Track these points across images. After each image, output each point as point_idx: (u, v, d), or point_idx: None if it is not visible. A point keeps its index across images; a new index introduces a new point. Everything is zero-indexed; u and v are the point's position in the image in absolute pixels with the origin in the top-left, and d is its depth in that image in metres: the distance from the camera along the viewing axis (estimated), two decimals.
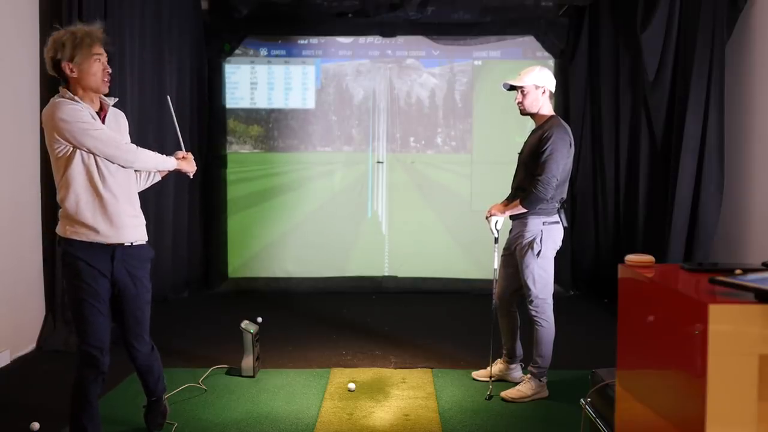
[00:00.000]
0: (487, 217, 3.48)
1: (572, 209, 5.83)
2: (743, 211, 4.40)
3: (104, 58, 2.58)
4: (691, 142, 4.44)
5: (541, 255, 3.32)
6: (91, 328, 2.60)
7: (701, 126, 4.40)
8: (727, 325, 1.38)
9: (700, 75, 4.37)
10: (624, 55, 5.31)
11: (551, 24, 5.88)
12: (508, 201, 3.48)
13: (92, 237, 2.58)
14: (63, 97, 2.55)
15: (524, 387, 3.40)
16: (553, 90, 3.42)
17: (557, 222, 3.35)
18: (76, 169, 2.54)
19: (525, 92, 3.37)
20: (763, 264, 1.70)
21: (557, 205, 3.34)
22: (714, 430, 1.39)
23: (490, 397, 3.39)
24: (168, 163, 2.79)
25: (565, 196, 3.40)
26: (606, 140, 5.58)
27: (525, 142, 3.48)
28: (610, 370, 2.35)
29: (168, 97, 3.05)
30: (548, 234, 3.32)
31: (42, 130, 2.82)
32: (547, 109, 3.41)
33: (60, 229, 2.60)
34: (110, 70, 2.61)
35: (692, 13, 4.45)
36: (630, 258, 1.87)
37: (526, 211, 3.30)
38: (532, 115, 3.43)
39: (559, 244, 3.41)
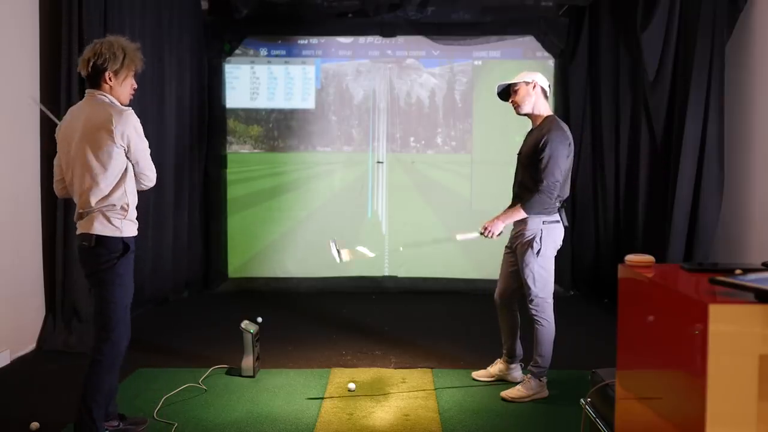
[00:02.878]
0: (485, 234, 3.36)
1: (572, 209, 5.83)
2: (743, 211, 4.39)
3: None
4: (691, 142, 4.43)
5: (540, 254, 3.32)
6: (125, 320, 2.76)
7: (701, 126, 4.40)
8: (727, 325, 1.38)
9: (700, 75, 4.37)
10: (624, 55, 5.31)
11: (551, 24, 5.88)
12: (513, 203, 3.46)
13: (136, 230, 2.80)
14: (116, 102, 2.71)
15: (524, 387, 3.40)
16: (546, 87, 3.42)
17: (558, 221, 3.35)
18: (131, 170, 2.72)
19: (516, 89, 3.40)
20: (763, 264, 1.70)
21: (558, 205, 3.34)
22: (714, 430, 1.39)
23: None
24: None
25: (566, 195, 3.40)
26: (606, 140, 5.58)
27: (523, 142, 3.48)
28: (610, 370, 2.35)
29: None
30: (548, 233, 3.32)
31: (40, 130, 2.85)
32: (543, 108, 3.41)
33: (106, 228, 2.66)
34: (136, 87, 2.83)
35: (692, 13, 4.44)
36: (630, 258, 1.87)
37: (525, 216, 3.31)
38: (529, 115, 3.43)
39: (560, 243, 3.41)
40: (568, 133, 3.35)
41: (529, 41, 6.00)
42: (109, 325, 2.70)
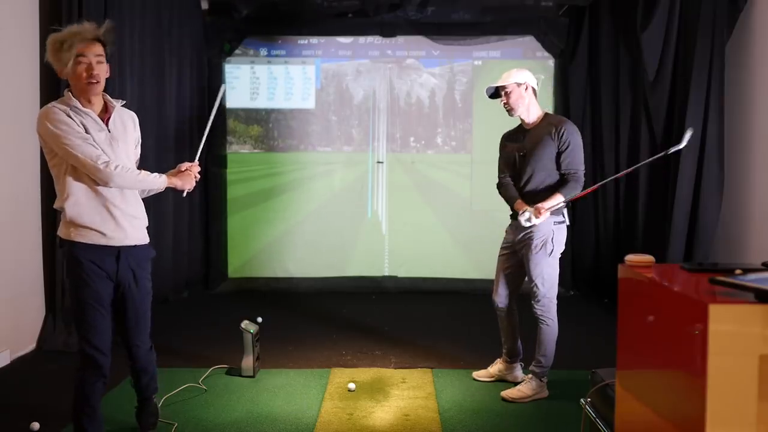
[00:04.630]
0: (521, 214, 3.29)
1: (572, 209, 5.82)
2: (743, 211, 4.39)
3: (90, 58, 2.46)
4: (691, 142, 4.43)
5: (552, 255, 3.33)
6: (94, 331, 2.59)
7: (701, 126, 4.39)
8: (727, 325, 1.38)
9: (700, 75, 4.37)
10: (624, 55, 5.31)
11: (551, 24, 5.88)
12: (524, 201, 3.38)
13: (98, 240, 2.57)
14: (57, 101, 2.53)
15: (525, 387, 3.40)
16: (536, 87, 3.41)
17: (563, 221, 3.36)
18: (78, 172, 2.50)
19: (508, 92, 3.37)
20: (763, 264, 1.70)
21: (564, 205, 3.34)
22: (714, 430, 1.39)
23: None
24: (156, 183, 2.66)
25: None
26: (606, 140, 5.58)
27: (522, 142, 3.41)
28: (610, 370, 2.35)
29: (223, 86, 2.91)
30: (558, 233, 3.34)
31: None
32: (535, 105, 3.41)
33: (63, 232, 2.57)
34: (96, 71, 2.47)
35: (692, 13, 4.44)
36: (630, 258, 1.87)
37: (564, 202, 3.28)
38: (523, 113, 3.40)
39: (565, 242, 3.43)
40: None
41: (529, 41, 6.00)
42: (81, 337, 2.61)
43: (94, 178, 2.50)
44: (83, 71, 2.46)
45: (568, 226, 3.40)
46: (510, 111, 3.40)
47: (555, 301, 3.40)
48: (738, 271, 1.57)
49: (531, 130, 3.41)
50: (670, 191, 4.58)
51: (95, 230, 2.55)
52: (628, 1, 5.07)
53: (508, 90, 3.36)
